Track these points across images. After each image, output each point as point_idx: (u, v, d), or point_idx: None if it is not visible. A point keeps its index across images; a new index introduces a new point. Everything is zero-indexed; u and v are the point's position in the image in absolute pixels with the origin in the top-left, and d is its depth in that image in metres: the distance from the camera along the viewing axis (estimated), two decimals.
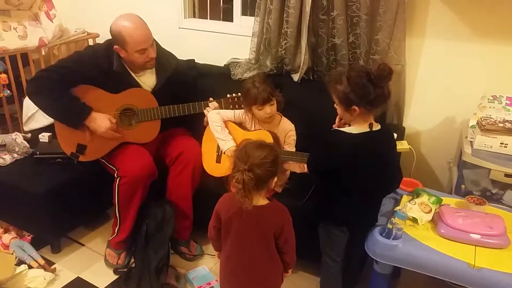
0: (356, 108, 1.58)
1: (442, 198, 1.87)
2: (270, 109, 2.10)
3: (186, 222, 2.29)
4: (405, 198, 1.91)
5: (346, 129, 1.65)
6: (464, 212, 1.70)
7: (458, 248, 1.59)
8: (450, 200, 1.89)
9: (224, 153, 2.17)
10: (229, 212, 1.53)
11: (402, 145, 2.14)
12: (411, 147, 2.20)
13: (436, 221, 1.72)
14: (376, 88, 1.54)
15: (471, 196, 1.85)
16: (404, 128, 2.51)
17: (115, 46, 2.09)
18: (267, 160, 1.43)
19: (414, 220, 1.73)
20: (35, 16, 3.03)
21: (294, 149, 2.21)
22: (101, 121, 2.12)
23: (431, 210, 1.77)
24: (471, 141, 2.05)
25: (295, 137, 2.23)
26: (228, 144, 2.16)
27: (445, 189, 2.44)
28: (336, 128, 1.72)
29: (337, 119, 1.80)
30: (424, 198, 1.82)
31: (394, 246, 1.61)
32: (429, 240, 1.64)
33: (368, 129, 1.62)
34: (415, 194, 1.89)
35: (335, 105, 1.68)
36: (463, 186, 2.02)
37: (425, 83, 2.43)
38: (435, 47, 2.33)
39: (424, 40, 2.35)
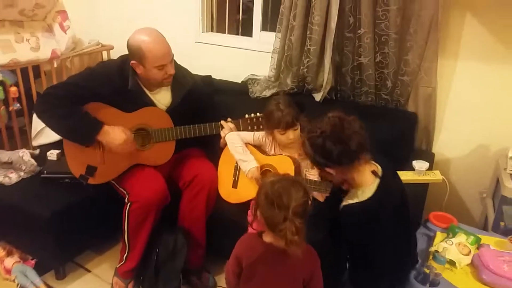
0: (329, 169, 1.41)
1: (480, 236, 1.71)
2: (293, 134, 1.97)
3: (198, 250, 2.14)
4: (439, 236, 1.75)
5: (357, 196, 1.41)
6: (508, 256, 1.54)
7: None
8: (489, 239, 1.73)
9: (247, 175, 2.03)
10: (252, 256, 1.38)
11: (434, 176, 1.99)
12: (444, 177, 2.03)
13: (476, 264, 1.56)
14: (337, 145, 1.35)
15: None
16: (434, 154, 2.35)
17: (132, 62, 1.98)
18: (305, 198, 1.28)
19: (452, 262, 1.58)
20: (49, 27, 2.94)
21: (317, 172, 2.07)
22: (115, 134, 1.99)
23: (470, 252, 1.61)
24: (511, 174, 1.89)
25: None
26: (250, 164, 2.02)
27: (477, 222, 2.28)
28: (345, 204, 1.45)
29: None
30: (462, 237, 1.66)
31: None
32: (470, 287, 1.48)
33: (376, 179, 1.41)
34: (450, 232, 1.73)
35: None
36: (502, 224, 1.86)
37: (457, 107, 2.27)
38: (469, 69, 2.19)
39: (457, 62, 2.20)
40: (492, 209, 2.05)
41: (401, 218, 1.47)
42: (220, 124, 2.15)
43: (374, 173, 1.41)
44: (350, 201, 1.43)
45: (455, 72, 2.22)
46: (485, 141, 2.25)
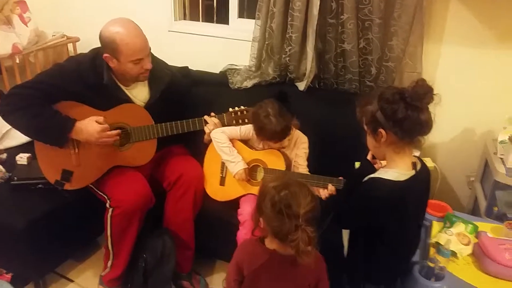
0: (382, 131, 1.32)
1: (477, 224, 1.69)
2: (287, 141, 1.91)
3: (187, 252, 2.05)
4: (435, 225, 1.73)
5: (388, 174, 1.33)
6: (509, 244, 1.52)
7: None
8: (485, 226, 1.71)
9: (234, 176, 1.95)
10: (255, 263, 1.29)
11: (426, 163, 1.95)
12: (436, 165, 2.01)
13: (478, 254, 1.54)
14: (409, 108, 1.28)
15: (510, 221, 1.66)
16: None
17: (105, 55, 1.84)
18: (313, 203, 1.20)
19: (453, 253, 1.55)
20: (7, 19, 2.71)
21: (306, 162, 2.02)
22: (89, 128, 1.85)
23: (469, 241, 1.59)
24: (501, 158, 1.88)
25: (307, 150, 2.04)
26: (238, 166, 1.94)
27: (465, 207, 2.28)
28: (374, 176, 1.37)
29: (369, 154, 1.53)
30: (461, 227, 1.63)
31: None
32: (475, 279, 1.45)
33: (412, 171, 1.36)
34: (447, 220, 1.71)
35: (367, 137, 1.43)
36: (495, 209, 1.85)
37: (442, 92, 2.19)
38: (454, 54, 2.16)
39: (442, 46, 2.17)
40: (482, 193, 2.05)
41: (416, 214, 1.44)
42: (204, 119, 2.04)
43: (413, 165, 1.37)
44: (378, 176, 1.36)
45: (440, 56, 2.19)
46: (471, 125, 2.24)
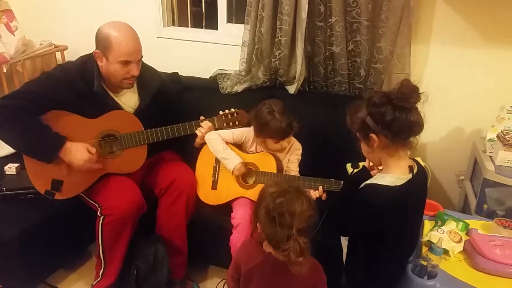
0: (374, 136, 1.33)
1: (468, 222, 1.70)
2: (287, 142, 1.91)
3: (180, 259, 2.03)
4: (427, 224, 1.74)
5: (384, 180, 1.34)
6: (499, 241, 1.53)
7: (501, 284, 1.42)
8: (475, 223, 1.73)
9: (232, 172, 1.94)
10: (249, 264, 1.29)
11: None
12: (426, 164, 2.02)
13: (469, 251, 1.55)
14: (396, 110, 1.29)
15: (500, 218, 1.69)
16: None
17: (96, 51, 1.83)
18: (310, 212, 1.19)
19: (445, 251, 1.56)
20: None
21: (297, 169, 2.04)
22: (77, 152, 1.84)
23: (461, 238, 1.60)
24: (490, 156, 1.90)
25: (300, 157, 2.05)
26: (234, 161, 1.93)
27: (455, 205, 2.30)
28: (370, 182, 1.38)
29: (366, 161, 1.54)
30: (452, 225, 1.64)
31: (431, 286, 1.42)
32: (466, 275, 1.47)
33: (409, 174, 1.35)
34: (439, 219, 1.72)
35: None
36: (485, 206, 1.87)
37: (430, 92, 2.23)
38: (442, 54, 2.18)
39: (430, 47, 2.20)
40: (472, 191, 2.07)
41: (414, 217, 1.45)
42: (199, 122, 2.04)
43: (410, 168, 1.36)
44: (375, 182, 1.36)
45: (428, 57, 2.21)
46: (459, 124, 2.26)
